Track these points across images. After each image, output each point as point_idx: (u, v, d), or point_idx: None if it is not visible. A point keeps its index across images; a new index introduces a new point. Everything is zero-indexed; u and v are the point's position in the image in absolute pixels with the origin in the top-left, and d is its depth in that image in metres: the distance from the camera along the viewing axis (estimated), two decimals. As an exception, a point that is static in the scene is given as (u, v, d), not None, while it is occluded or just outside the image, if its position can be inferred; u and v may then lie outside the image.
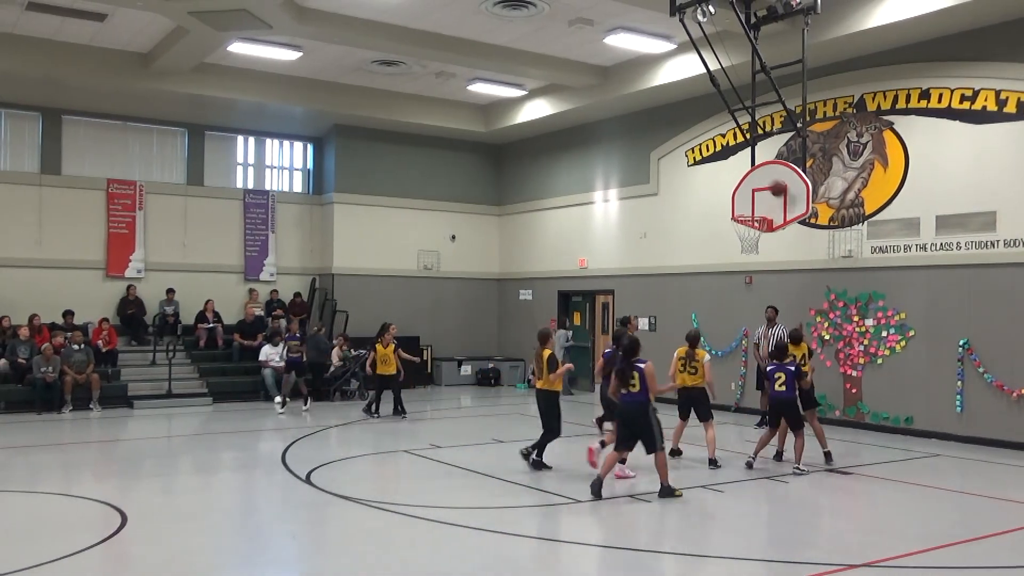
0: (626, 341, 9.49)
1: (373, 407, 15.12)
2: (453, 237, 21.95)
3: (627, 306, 18.58)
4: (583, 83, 17.55)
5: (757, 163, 12.77)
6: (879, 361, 14.00)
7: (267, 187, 20.99)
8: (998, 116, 12.71)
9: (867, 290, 14.24)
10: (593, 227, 19.77)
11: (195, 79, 17.13)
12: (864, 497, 9.83)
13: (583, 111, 18.69)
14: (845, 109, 14.71)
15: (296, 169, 21.55)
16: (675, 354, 11.18)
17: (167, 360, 16.90)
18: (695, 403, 11.04)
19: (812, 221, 14.66)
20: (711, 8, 11.50)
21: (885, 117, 14.16)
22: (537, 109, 19.30)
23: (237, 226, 20.29)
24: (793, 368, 10.53)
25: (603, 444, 10.97)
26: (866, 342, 14.19)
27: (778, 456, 10.99)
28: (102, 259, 18.83)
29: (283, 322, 19.30)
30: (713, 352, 16.35)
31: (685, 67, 15.57)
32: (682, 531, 8.37)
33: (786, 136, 15.23)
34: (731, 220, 12.85)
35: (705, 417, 10.95)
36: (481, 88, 18.68)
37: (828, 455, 10.98)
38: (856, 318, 14.36)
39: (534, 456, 10.61)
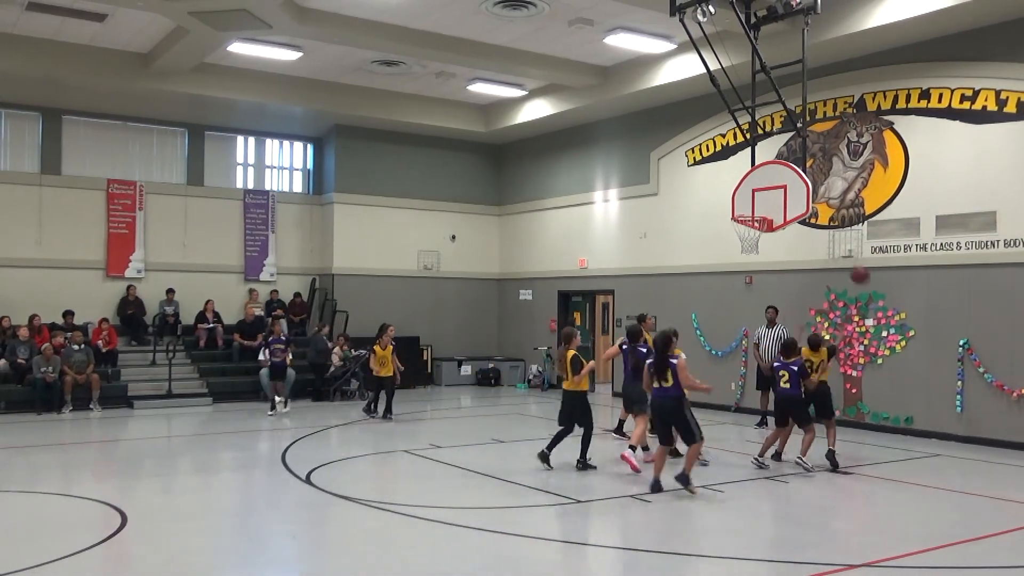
0: (659, 336, 9.59)
1: (372, 406, 15.11)
2: (453, 237, 21.95)
3: (627, 306, 18.58)
4: (583, 83, 17.55)
5: (757, 163, 12.77)
6: (879, 361, 14.00)
7: (267, 187, 20.99)
8: (998, 116, 12.71)
9: (867, 290, 14.24)
10: (593, 227, 19.77)
11: (195, 79, 17.13)
12: (864, 497, 9.83)
13: (583, 111, 18.69)
14: (845, 109, 14.71)
15: (296, 169, 21.55)
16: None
17: (167, 360, 16.90)
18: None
19: (812, 221, 14.67)
20: (711, 8, 11.50)
21: (885, 117, 14.16)
22: (537, 109, 19.30)
23: (237, 226, 20.29)
24: (796, 368, 10.51)
25: (633, 448, 11.07)
26: (866, 342, 14.19)
27: (777, 456, 10.99)
28: (102, 259, 18.83)
29: (283, 322, 19.34)
30: (713, 352, 16.37)
31: (685, 67, 15.58)
32: (682, 531, 8.36)
33: (786, 136, 15.23)
34: (731, 220, 12.85)
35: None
36: (481, 88, 18.69)
37: (832, 454, 10.93)
38: (856, 318, 14.36)
39: (579, 459, 10.60)
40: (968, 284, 13.00)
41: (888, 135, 14.10)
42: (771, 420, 14.12)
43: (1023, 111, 12.44)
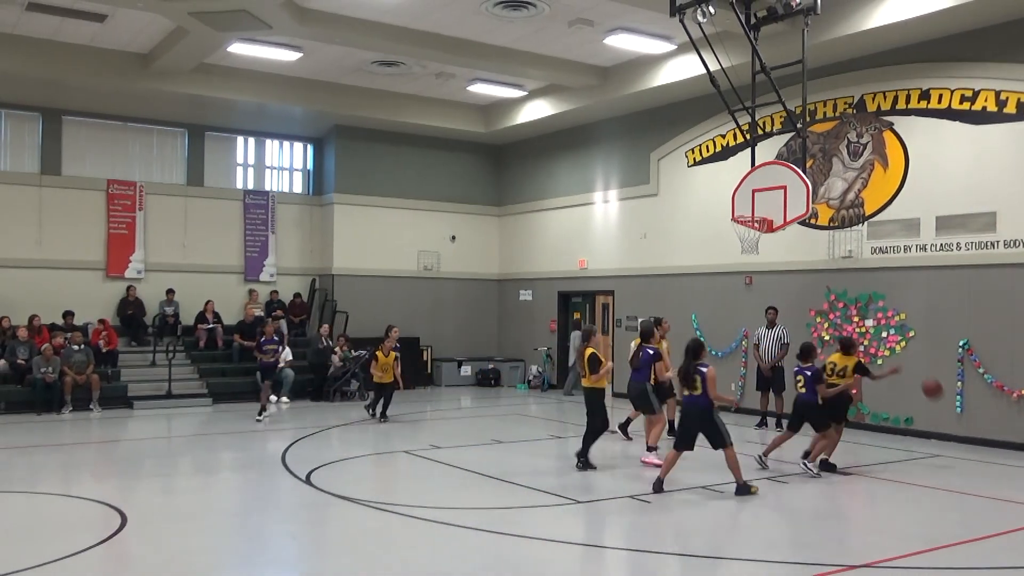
0: (690, 344, 9.60)
1: (373, 408, 15.02)
2: (453, 238, 21.96)
3: (627, 307, 18.60)
4: (583, 84, 17.55)
5: (757, 164, 12.77)
6: (879, 362, 13.99)
7: (267, 188, 20.99)
8: (998, 116, 12.71)
9: (867, 291, 14.24)
10: (593, 228, 19.77)
11: (195, 79, 17.13)
12: (864, 498, 9.83)
13: (583, 112, 18.70)
14: (845, 110, 14.71)
15: (296, 170, 21.56)
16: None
17: (167, 361, 16.91)
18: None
19: (812, 222, 14.67)
20: (711, 9, 11.50)
21: (885, 118, 14.16)
22: (537, 110, 19.31)
23: (237, 227, 20.30)
24: (811, 373, 10.42)
25: (649, 449, 11.17)
26: (866, 343, 14.18)
27: (808, 455, 10.80)
28: (102, 259, 18.83)
29: (283, 323, 19.36)
30: (713, 352, 16.37)
31: (685, 68, 15.58)
32: (681, 532, 8.37)
33: (786, 136, 15.23)
34: (731, 220, 12.84)
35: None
36: (481, 89, 18.69)
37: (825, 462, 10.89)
38: (856, 319, 14.36)
39: (579, 455, 10.59)
40: (968, 285, 13.00)
41: (888, 136, 14.11)
42: (771, 421, 14.19)
43: (1023, 112, 12.44)
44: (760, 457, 10.77)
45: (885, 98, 14.15)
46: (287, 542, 7.78)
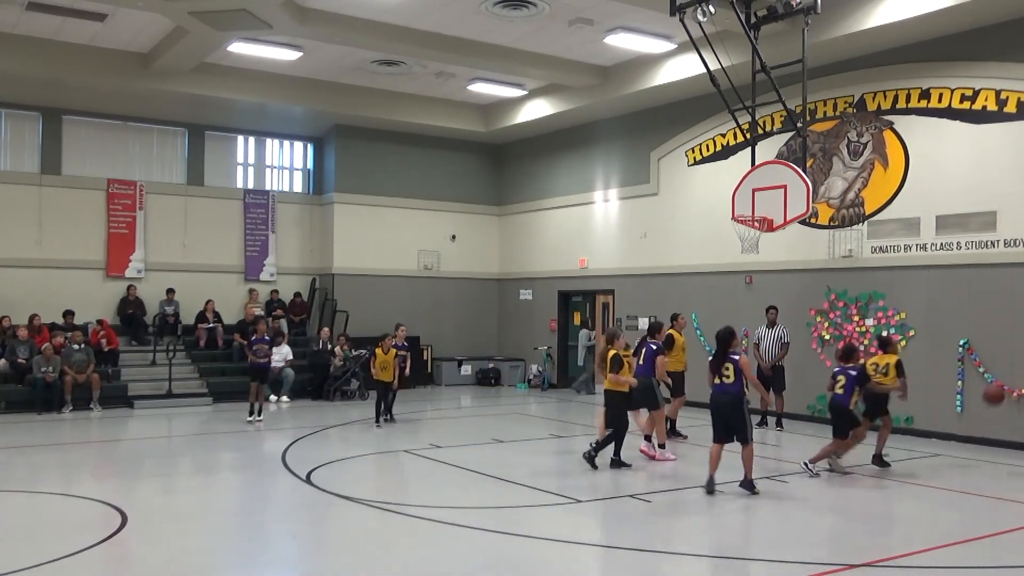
0: (721, 332, 9.60)
1: (377, 418, 14.18)
2: (453, 237, 21.96)
3: (628, 306, 18.59)
4: (583, 83, 17.55)
5: (757, 163, 12.77)
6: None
7: (267, 187, 20.99)
8: (998, 116, 12.71)
9: (867, 290, 14.24)
10: (593, 227, 19.77)
11: (195, 79, 17.13)
12: (864, 497, 9.82)
13: (583, 111, 18.69)
14: (845, 109, 14.71)
15: (296, 169, 21.56)
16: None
17: (167, 360, 16.91)
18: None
19: (812, 221, 14.66)
20: (711, 8, 11.49)
21: (885, 117, 14.16)
22: (537, 109, 19.30)
23: (237, 226, 20.30)
24: (856, 372, 10.31)
25: (648, 438, 11.26)
26: (866, 342, 14.18)
27: (877, 459, 10.82)
28: (102, 259, 18.84)
29: (283, 322, 19.37)
30: (713, 352, 16.33)
31: (685, 67, 15.57)
32: (682, 531, 8.37)
33: (786, 136, 15.22)
34: (731, 220, 12.85)
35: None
36: (481, 88, 18.69)
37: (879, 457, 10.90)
38: (856, 318, 14.36)
39: (590, 448, 10.58)
40: (968, 284, 13.00)
41: (888, 135, 14.10)
42: (771, 420, 14.19)
43: (1023, 111, 12.44)
44: (806, 464, 10.50)
45: (885, 97, 14.15)
46: (287, 542, 7.78)
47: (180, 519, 8.33)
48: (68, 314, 17.20)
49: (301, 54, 16.35)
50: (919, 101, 13.69)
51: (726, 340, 9.43)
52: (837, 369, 10.57)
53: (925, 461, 11.64)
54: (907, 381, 10.89)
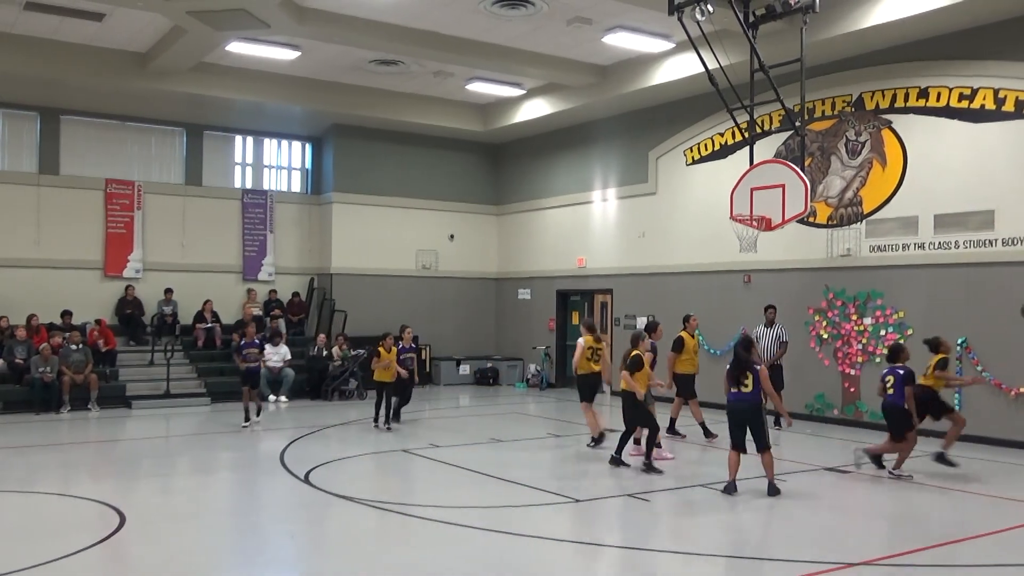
0: (741, 340, 9.60)
1: (376, 418, 13.89)
2: (452, 236, 21.95)
3: (626, 305, 18.59)
4: (582, 82, 17.55)
5: (756, 162, 12.77)
6: (877, 360, 13.98)
7: (265, 187, 20.98)
8: (996, 115, 12.72)
9: (865, 289, 14.25)
10: (591, 226, 19.77)
11: (193, 79, 17.12)
12: (862, 496, 9.83)
13: (581, 110, 18.69)
14: (843, 108, 14.72)
15: (294, 169, 21.55)
16: (582, 343, 11.91)
17: (165, 360, 16.90)
18: (596, 387, 12.15)
19: (810, 220, 14.66)
20: (709, 7, 11.50)
21: (883, 116, 14.16)
22: (535, 108, 19.30)
23: (235, 226, 20.29)
24: (903, 372, 10.13)
25: (636, 441, 11.31)
26: (864, 341, 14.20)
27: (940, 457, 10.57)
28: (100, 259, 18.82)
29: (281, 322, 19.36)
30: (711, 352, 16.36)
31: (684, 66, 15.57)
32: (679, 529, 8.38)
33: (785, 135, 15.22)
34: (730, 219, 12.85)
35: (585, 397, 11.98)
36: (479, 87, 18.68)
37: (942, 456, 10.64)
38: (855, 317, 14.37)
39: (644, 460, 10.49)
40: (966, 283, 13.00)
41: (886, 134, 14.11)
42: (769, 419, 14.16)
43: (1021, 110, 12.45)
44: (891, 472, 10.31)
45: (883, 96, 14.15)
46: (286, 542, 7.78)
47: (178, 519, 8.33)
48: (66, 314, 17.18)
49: (299, 54, 16.34)
50: (917, 100, 13.69)
51: (747, 348, 9.42)
52: (886, 370, 10.39)
53: (923, 460, 11.62)
54: (950, 375, 10.75)
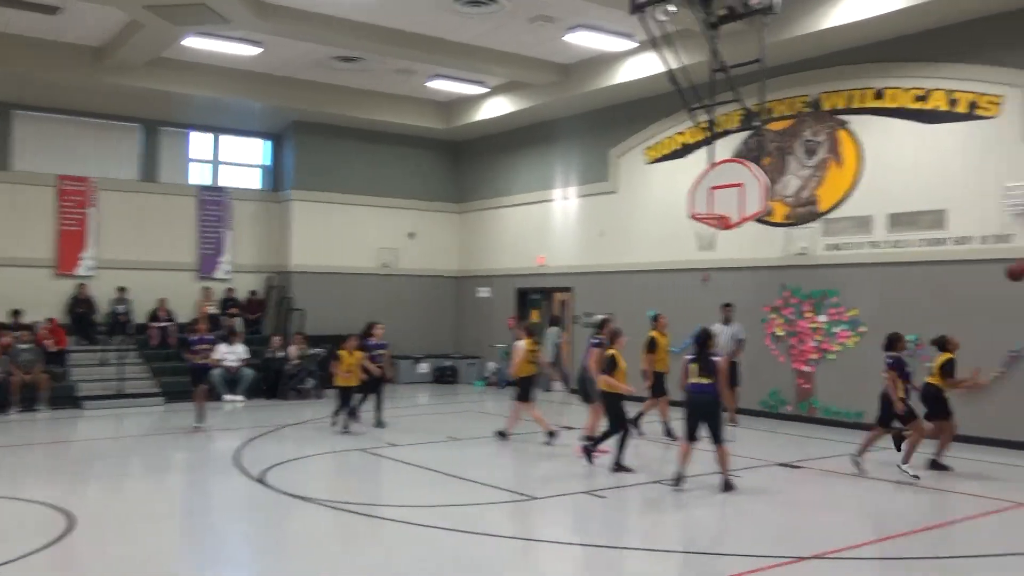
0: (700, 332, 9.58)
1: (336, 418, 13.39)
2: (412, 235, 21.85)
3: (586, 303, 18.63)
4: (543, 80, 17.56)
5: (715, 161, 12.87)
6: (831, 357, 14.19)
7: (223, 184, 20.71)
8: (949, 116, 12.94)
9: (820, 287, 14.42)
10: (552, 225, 19.81)
11: (150, 74, 16.82)
12: (815, 490, 9.94)
13: (543, 109, 18.71)
14: (801, 108, 14.88)
15: (254, 166, 21.31)
16: (522, 346, 12.22)
17: (118, 359, 16.61)
18: (534, 387, 12.58)
19: (768, 219, 14.81)
20: (671, 7, 11.56)
21: (840, 116, 14.35)
22: (497, 106, 19.29)
23: (192, 223, 19.99)
24: (891, 361, 10.15)
25: (590, 439, 11.21)
26: (819, 338, 14.38)
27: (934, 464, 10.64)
28: (52, 257, 18.42)
29: (238, 321, 19.14)
30: (670, 348, 16.43)
31: (645, 65, 15.65)
32: (636, 526, 8.41)
33: (743, 135, 15.34)
34: (689, 218, 12.93)
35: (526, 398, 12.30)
36: (441, 85, 18.60)
37: (935, 462, 10.63)
38: (809, 314, 14.55)
39: (613, 463, 10.33)
40: (918, 281, 13.22)
41: (842, 134, 14.30)
42: (724, 416, 14.28)
43: (973, 111, 12.68)
44: (900, 467, 10.18)
45: (840, 97, 14.33)
46: (240, 543, 7.68)
47: (130, 522, 8.18)
48: (16, 313, 16.82)
49: (260, 50, 16.14)
50: (873, 101, 13.89)
51: (706, 341, 9.43)
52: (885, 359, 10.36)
53: (874, 455, 11.78)
54: (957, 380, 10.47)
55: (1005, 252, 12.15)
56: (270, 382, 17.81)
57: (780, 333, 14.91)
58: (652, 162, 17.44)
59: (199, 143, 20.57)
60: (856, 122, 14.11)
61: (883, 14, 12.55)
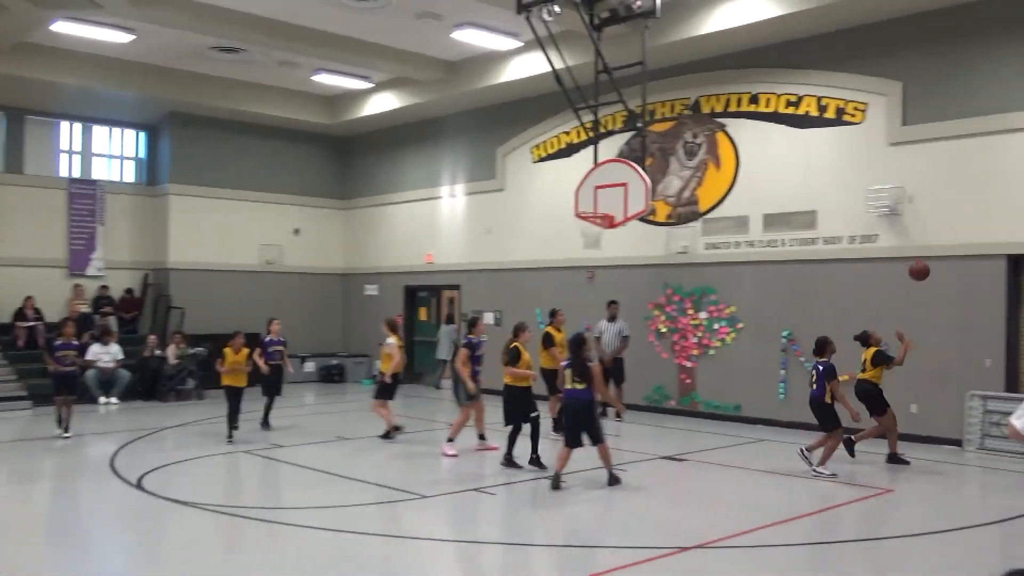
0: (573, 338, 9.63)
1: (232, 432, 12.42)
2: (296, 231, 21.42)
3: (474, 301, 18.69)
4: (430, 77, 17.49)
5: (599, 161, 13.10)
6: (711, 352, 14.68)
7: (95, 176, 19.80)
8: (819, 121, 13.57)
9: (701, 285, 14.89)
10: (440, 222, 19.77)
11: (15, 59, 15.93)
12: (696, 482, 10.28)
13: (430, 105, 18.64)
14: (682, 111, 15.32)
15: (127, 158, 20.45)
16: (394, 343, 12.45)
17: (-19, 361, 15.69)
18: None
19: (651, 218, 15.17)
20: (556, 8, 11.71)
21: (718, 119, 14.83)
22: (384, 102, 19.11)
23: (61, 217, 19.02)
24: (823, 368, 10.12)
25: (481, 436, 11.16)
26: (700, 334, 14.84)
27: (892, 457, 10.79)
28: (-96, 252, 17.26)
29: (112, 320, 18.37)
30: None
31: (531, 65, 15.79)
32: (521, 521, 8.49)
33: (627, 135, 15.67)
34: (574, 216, 13.13)
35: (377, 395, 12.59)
36: (326, 79, 18.29)
37: (894, 456, 10.78)
38: (691, 311, 15.00)
39: (532, 458, 10.24)
40: (791, 279, 13.82)
41: (721, 136, 14.79)
42: (610, 411, 14.62)
43: (841, 117, 13.33)
44: (813, 469, 10.17)
45: (718, 101, 14.82)
46: (115, 551, 7.37)
47: (-6, 531, 7.75)
48: None
49: (133, 37, 15.49)
50: (749, 105, 14.42)
51: (580, 345, 9.52)
52: (811, 364, 10.44)
53: (751, 446, 12.29)
54: (900, 357, 10.62)
55: (871, 252, 12.87)
56: (147, 383, 17.16)
57: (663, 330, 15.32)
58: (539, 161, 17.62)
59: (69, 134, 19.60)
60: (733, 125, 14.62)
61: (758, 21, 13.05)
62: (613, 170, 12.80)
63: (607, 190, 12.55)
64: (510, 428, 10.41)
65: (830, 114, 13.44)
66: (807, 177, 13.67)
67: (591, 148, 13.56)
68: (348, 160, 22.21)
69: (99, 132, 20.00)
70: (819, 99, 13.55)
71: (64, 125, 19.49)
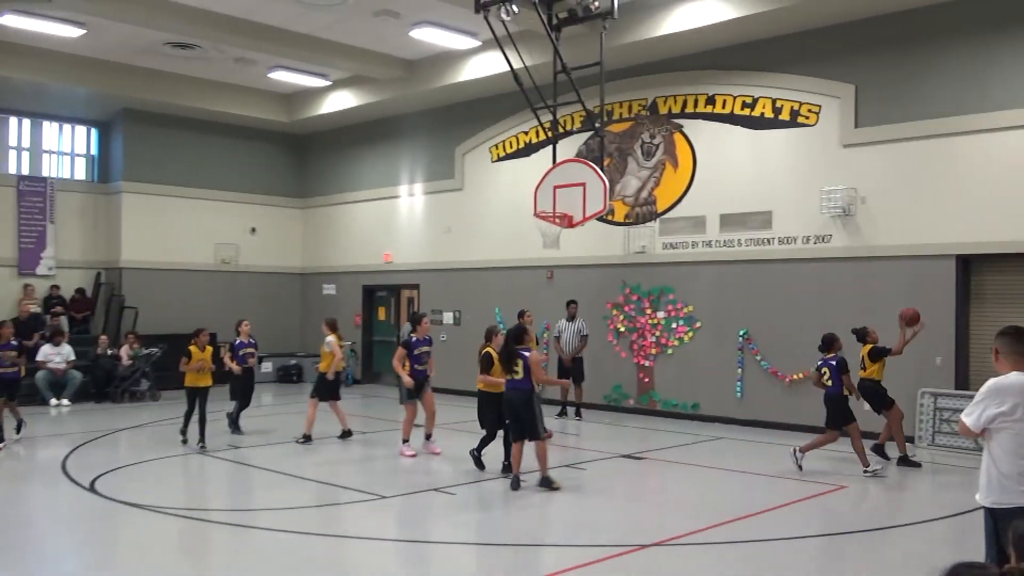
0: (512, 329, 9.60)
1: (185, 434, 12.05)
2: (253, 230, 21.19)
3: (432, 301, 18.64)
4: (388, 76, 17.41)
5: (558, 161, 13.14)
6: (669, 351, 14.81)
7: (45, 173, 19.39)
8: (774, 123, 13.75)
9: (659, 284, 15.01)
10: (398, 221, 19.69)
11: (-41, 53, 15.58)
12: (655, 480, 10.37)
13: (389, 104, 18.55)
14: (639, 111, 15.42)
15: (79, 155, 20.06)
16: (334, 341, 12.46)
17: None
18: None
19: (609, 218, 15.27)
20: (514, 7, 11.72)
21: (675, 120, 14.96)
22: (342, 100, 18.98)
23: (9, 215, 18.60)
24: (835, 363, 10.10)
25: (428, 436, 11.11)
26: (658, 333, 14.97)
27: (878, 449, 10.84)
28: None
29: (64, 320, 18.02)
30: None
31: (490, 64, 15.79)
32: (481, 521, 8.49)
33: (585, 135, 15.75)
34: (533, 216, 13.16)
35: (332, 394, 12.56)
36: (283, 76, 18.11)
37: (904, 458, 10.72)
38: (649, 311, 15.12)
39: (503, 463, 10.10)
40: (747, 278, 13.99)
41: (678, 137, 14.92)
42: (570, 410, 14.68)
43: (795, 119, 13.52)
44: (796, 452, 10.25)
45: (675, 101, 14.95)
46: (66, 555, 7.23)
47: (-59, 537, 7.55)
48: None
49: (84, 31, 15.20)
50: (705, 106, 14.57)
51: (516, 337, 9.43)
52: (820, 362, 10.31)
53: (709, 444, 12.42)
54: (900, 344, 10.65)
55: (826, 252, 13.07)
56: (100, 384, 16.86)
57: (622, 329, 15.42)
58: (497, 160, 17.63)
59: (18, 130, 19.18)
60: (690, 126, 14.76)
61: (714, 23, 13.19)
62: (571, 170, 12.83)
63: (566, 190, 12.59)
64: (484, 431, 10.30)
65: (785, 116, 13.63)
66: (763, 178, 13.85)
67: (550, 148, 13.59)
68: (305, 159, 22.02)
69: (49, 128, 19.60)
70: (774, 101, 13.73)
71: (12, 121, 19.06)
